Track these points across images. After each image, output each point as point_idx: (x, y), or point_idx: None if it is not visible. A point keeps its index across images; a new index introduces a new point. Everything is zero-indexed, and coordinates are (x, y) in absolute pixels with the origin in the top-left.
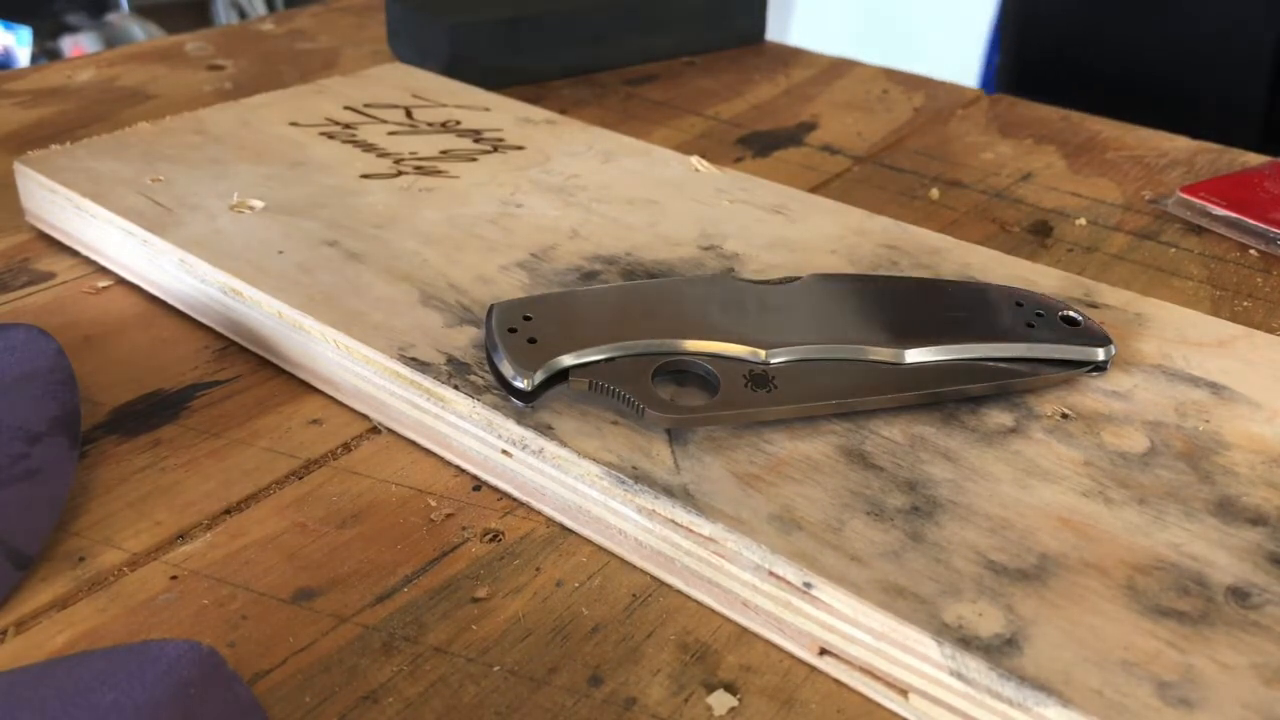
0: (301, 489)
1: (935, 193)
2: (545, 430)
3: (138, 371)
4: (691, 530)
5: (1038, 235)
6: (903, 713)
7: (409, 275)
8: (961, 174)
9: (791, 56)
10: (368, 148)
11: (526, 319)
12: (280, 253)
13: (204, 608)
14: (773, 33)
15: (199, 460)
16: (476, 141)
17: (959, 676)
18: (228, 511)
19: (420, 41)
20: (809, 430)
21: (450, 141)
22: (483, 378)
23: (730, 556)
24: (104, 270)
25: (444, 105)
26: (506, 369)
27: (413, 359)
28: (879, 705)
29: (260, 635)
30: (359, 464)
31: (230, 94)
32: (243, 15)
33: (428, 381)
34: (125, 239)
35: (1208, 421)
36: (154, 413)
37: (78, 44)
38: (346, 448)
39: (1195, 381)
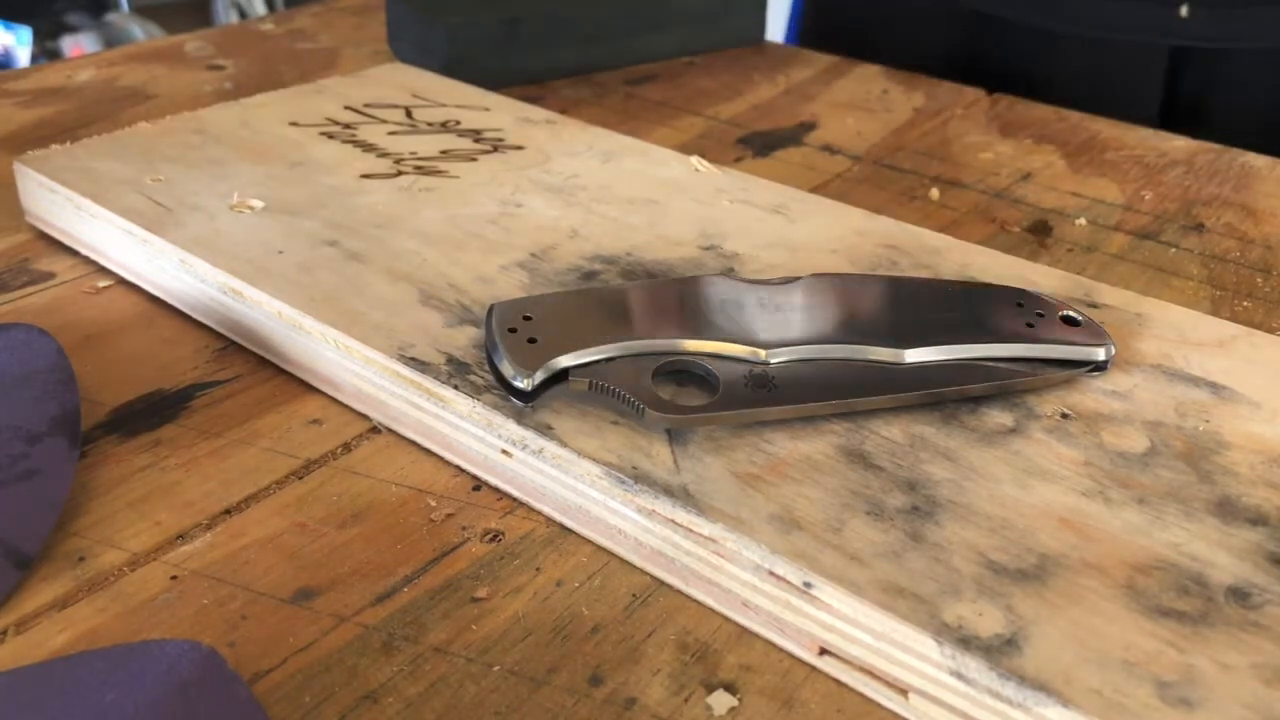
0: (301, 489)
1: (935, 193)
2: (545, 430)
3: (138, 371)
4: (691, 530)
5: (1038, 235)
6: (903, 713)
7: (409, 275)
8: (961, 174)
9: (791, 56)
10: (368, 148)
11: (526, 319)
12: (280, 253)
13: (204, 608)
14: (773, 33)
15: (199, 460)
16: (476, 141)
17: (959, 676)
18: (228, 511)
19: (420, 41)
20: (809, 430)
21: (450, 141)
22: (483, 378)
23: (730, 556)
24: (104, 270)
25: (444, 105)
26: (506, 369)
27: (413, 359)
28: (879, 705)
29: (260, 635)
30: (359, 464)
31: (230, 94)
32: (243, 15)
33: (428, 381)
34: (125, 239)
35: (1208, 421)
36: (154, 413)
37: (78, 44)
38: (346, 448)
39: (1195, 381)
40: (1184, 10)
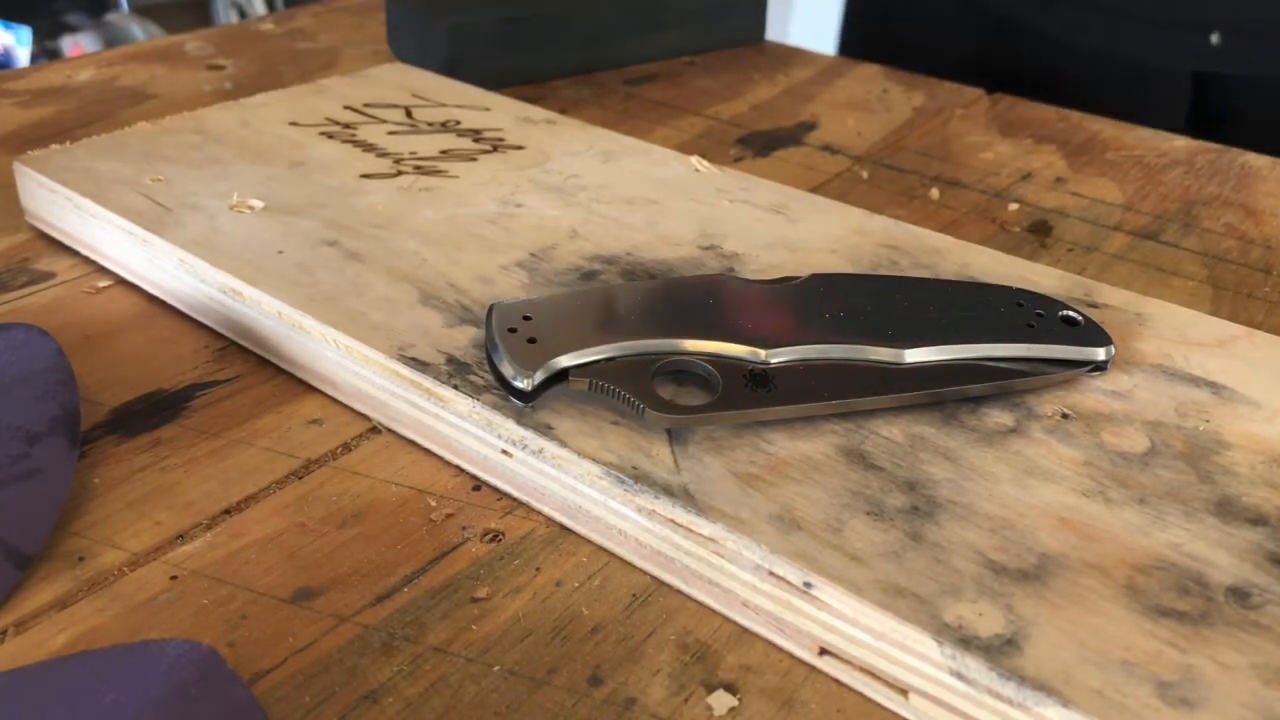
0: (301, 489)
1: (935, 193)
2: (545, 430)
3: (138, 371)
4: (691, 530)
5: (1038, 235)
6: (903, 713)
7: (409, 275)
8: (961, 174)
9: (791, 56)
10: (368, 148)
11: (526, 319)
12: (280, 252)
13: (204, 608)
14: (773, 33)
15: (199, 460)
16: (476, 141)
17: (959, 676)
18: (228, 511)
19: (420, 41)
20: (809, 430)
21: (450, 141)
22: (483, 378)
23: (730, 556)
24: (104, 270)
25: (444, 105)
26: (506, 369)
27: (413, 359)
28: (879, 705)
29: (260, 635)
30: (359, 464)
31: (230, 94)
32: (243, 15)
33: (428, 381)
34: (125, 239)
35: (1208, 421)
36: (154, 413)
37: (78, 44)
38: (346, 448)
39: (1195, 381)
40: (1215, 38)
